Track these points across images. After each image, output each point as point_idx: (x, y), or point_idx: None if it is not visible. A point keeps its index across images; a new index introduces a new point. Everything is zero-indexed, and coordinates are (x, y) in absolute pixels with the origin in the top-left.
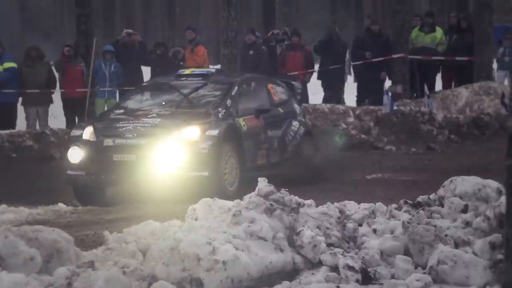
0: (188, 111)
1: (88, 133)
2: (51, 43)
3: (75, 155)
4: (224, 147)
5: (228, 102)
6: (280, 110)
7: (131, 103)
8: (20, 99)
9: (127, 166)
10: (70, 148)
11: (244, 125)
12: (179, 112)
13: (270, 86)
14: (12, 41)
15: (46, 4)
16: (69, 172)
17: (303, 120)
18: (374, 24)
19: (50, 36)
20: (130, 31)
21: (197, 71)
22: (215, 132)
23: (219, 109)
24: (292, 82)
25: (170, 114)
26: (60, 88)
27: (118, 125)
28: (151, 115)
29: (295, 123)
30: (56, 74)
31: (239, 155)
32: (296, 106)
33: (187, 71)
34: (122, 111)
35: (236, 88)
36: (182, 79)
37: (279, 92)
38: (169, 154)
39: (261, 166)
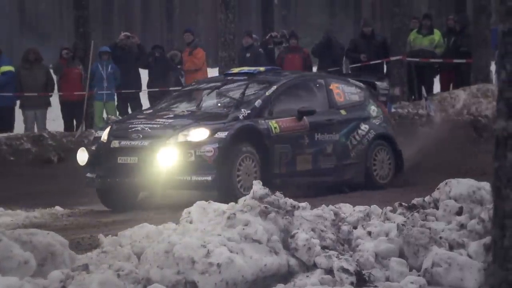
0: (208, 111)
1: (104, 134)
2: (50, 46)
3: (82, 156)
4: (235, 150)
5: (258, 102)
6: (343, 112)
7: (164, 103)
8: (18, 102)
9: (129, 169)
10: (79, 150)
11: (275, 128)
12: (198, 113)
13: (334, 86)
14: (11, 43)
15: (45, 7)
16: (87, 174)
17: (378, 123)
18: (366, 27)
19: (49, 39)
20: (128, 33)
21: (245, 70)
22: (223, 134)
23: (243, 110)
24: (376, 82)
25: (188, 115)
26: (58, 91)
27: (130, 126)
28: (168, 115)
29: (364, 127)
30: (54, 77)
31: (261, 159)
32: (372, 108)
33: (235, 70)
34: (150, 111)
35: (274, 88)
36: (228, 78)
37: (347, 93)
38: (170, 157)
39: (302, 172)
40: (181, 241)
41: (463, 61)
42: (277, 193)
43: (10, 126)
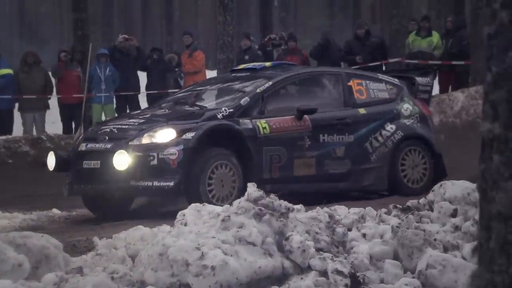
0: (186, 111)
1: (79, 137)
2: (50, 49)
3: (50, 161)
4: (206, 154)
5: (244, 100)
6: (361, 111)
7: (157, 104)
8: (17, 104)
9: (92, 174)
10: (49, 154)
11: (263, 128)
12: (176, 112)
13: (354, 82)
14: (10, 46)
15: (45, 10)
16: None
17: (410, 123)
18: (359, 29)
19: (49, 42)
20: (127, 36)
21: (250, 65)
22: (191, 134)
23: (224, 108)
24: (416, 78)
25: (164, 114)
26: (57, 93)
27: (102, 127)
28: (145, 115)
29: (391, 127)
30: (53, 80)
31: (243, 163)
32: (405, 106)
33: (241, 66)
34: (135, 112)
35: (268, 84)
36: (232, 75)
37: (373, 90)
38: (127, 160)
39: (301, 177)
40: (176, 243)
41: (462, 62)
42: (272, 195)
43: (8, 129)
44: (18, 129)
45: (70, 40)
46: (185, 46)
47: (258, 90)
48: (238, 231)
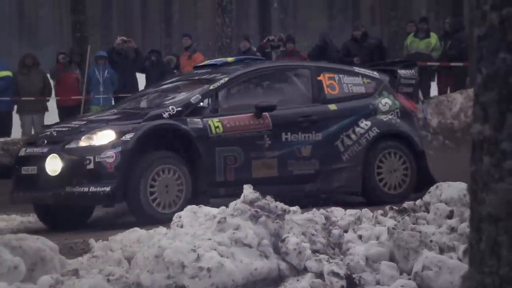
0: (131, 110)
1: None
2: (49, 50)
3: None
4: (146, 156)
5: (195, 98)
6: (332, 107)
7: (115, 105)
8: (15, 106)
9: (29, 181)
10: None
11: (216, 127)
12: (119, 112)
13: (325, 76)
14: (10, 48)
15: (45, 12)
16: None
17: (388, 119)
18: (356, 30)
19: (49, 44)
20: (125, 38)
21: (212, 61)
22: (130, 136)
23: (171, 107)
24: (398, 71)
25: (107, 115)
26: (55, 95)
27: (46, 130)
28: (87, 117)
29: (365, 124)
30: (51, 82)
31: (191, 166)
32: (383, 101)
33: (204, 62)
34: (84, 114)
35: (222, 81)
36: (194, 71)
37: (347, 84)
38: (61, 165)
39: (261, 180)
40: (171, 245)
41: (460, 64)
42: (268, 197)
43: (7, 131)
44: (16, 131)
45: (69, 42)
46: (184, 48)
47: (211, 87)
48: (234, 233)
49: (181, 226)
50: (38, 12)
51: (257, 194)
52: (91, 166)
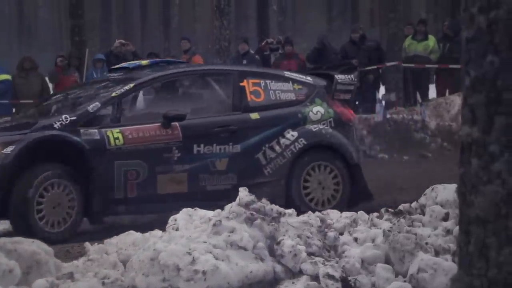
0: (21, 120)
1: None
2: (49, 54)
3: None
4: (32, 171)
5: (94, 106)
6: (254, 116)
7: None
8: (14, 110)
9: None
10: None
11: (116, 139)
12: (8, 121)
13: (249, 82)
14: (10, 51)
15: (44, 15)
16: None
17: (318, 129)
18: (354, 33)
19: (48, 47)
20: (123, 41)
21: (125, 64)
22: (11, 148)
23: (64, 116)
24: (336, 76)
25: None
26: None
27: None
28: None
29: (292, 134)
30: (50, 85)
31: (84, 182)
32: (315, 109)
33: (118, 65)
34: None
35: (127, 87)
36: (108, 75)
37: (275, 91)
38: None
39: (168, 196)
40: (167, 248)
41: (458, 66)
42: (263, 200)
43: None
44: None
45: (68, 45)
46: (183, 51)
47: (113, 94)
48: (229, 235)
49: (177, 229)
50: (38, 15)
51: (252, 197)
52: None
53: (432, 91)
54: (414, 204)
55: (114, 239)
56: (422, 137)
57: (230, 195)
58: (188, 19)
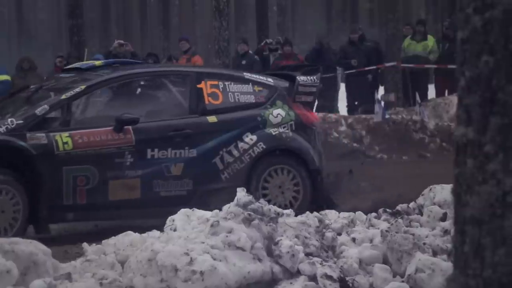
0: None
1: None
2: (49, 54)
3: None
4: None
5: (42, 109)
6: (211, 119)
7: None
8: None
9: None
10: None
11: (65, 143)
12: None
13: (207, 84)
14: (9, 52)
15: (44, 16)
16: None
17: (278, 133)
18: (353, 33)
19: (48, 48)
20: (122, 41)
21: (77, 64)
22: None
23: (10, 120)
24: (298, 77)
25: None
26: None
27: None
28: None
29: (250, 138)
30: None
31: (30, 189)
32: (275, 112)
33: (71, 66)
34: None
35: (77, 89)
36: (61, 75)
37: (234, 93)
38: None
39: (120, 202)
40: (164, 249)
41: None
42: (261, 200)
43: None
44: None
45: (67, 46)
46: (182, 52)
47: (63, 97)
48: (227, 236)
49: (174, 230)
50: (37, 16)
51: (250, 197)
52: None
53: (431, 91)
54: (412, 205)
55: (112, 240)
56: (421, 137)
57: (185, 202)
58: (188, 20)
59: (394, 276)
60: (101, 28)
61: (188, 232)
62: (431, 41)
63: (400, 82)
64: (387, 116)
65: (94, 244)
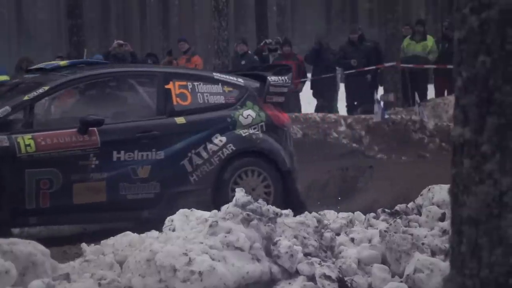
0: None
1: None
2: (48, 54)
3: None
4: None
5: (3, 111)
6: (179, 120)
7: None
8: None
9: None
10: None
11: (27, 145)
12: None
13: (175, 84)
14: (9, 53)
15: (44, 16)
16: None
17: (248, 134)
18: (352, 34)
19: (48, 48)
20: (121, 41)
21: (42, 65)
22: None
23: None
24: (268, 77)
25: None
26: None
27: None
28: None
29: (220, 140)
30: None
31: None
32: (245, 113)
33: (36, 66)
34: None
35: (41, 90)
36: (25, 76)
37: (203, 94)
38: None
39: (85, 206)
40: (163, 249)
41: None
42: (260, 200)
43: None
44: None
45: (68, 46)
46: (182, 52)
47: (25, 98)
48: (225, 236)
49: (173, 230)
50: (37, 16)
51: (249, 197)
52: None
53: (431, 92)
54: (410, 205)
55: (111, 240)
56: (420, 137)
57: (153, 205)
58: (187, 20)
59: (392, 276)
60: (101, 28)
61: (187, 232)
62: (430, 41)
63: (400, 82)
64: (386, 116)
65: (92, 245)
